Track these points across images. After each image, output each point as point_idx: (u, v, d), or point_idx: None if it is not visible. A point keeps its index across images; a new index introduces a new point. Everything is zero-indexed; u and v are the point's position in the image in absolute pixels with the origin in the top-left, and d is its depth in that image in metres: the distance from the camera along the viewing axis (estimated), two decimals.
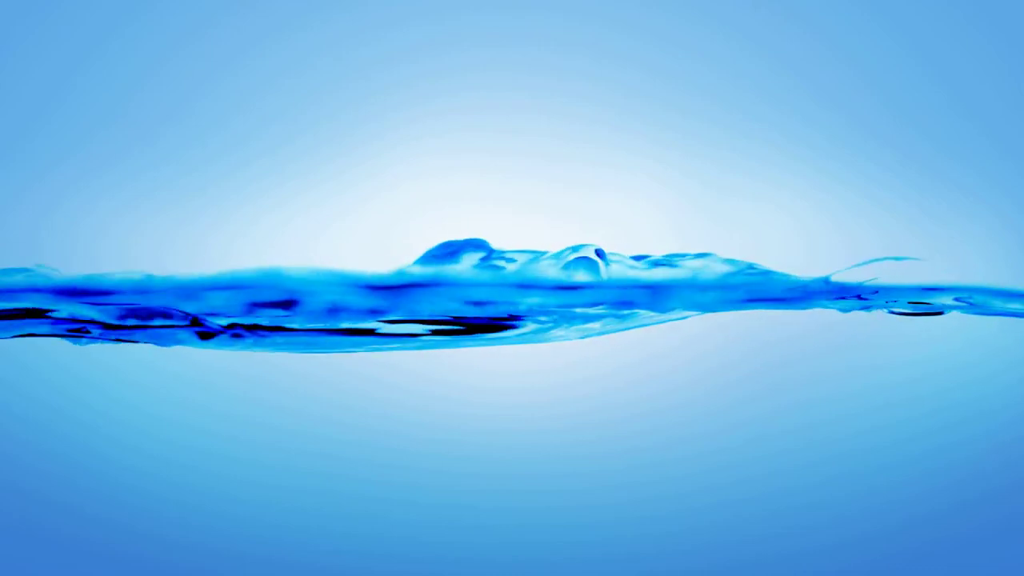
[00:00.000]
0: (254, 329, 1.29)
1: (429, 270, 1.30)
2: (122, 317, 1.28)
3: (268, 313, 1.29)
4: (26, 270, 1.29)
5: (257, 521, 1.37)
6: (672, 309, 1.34)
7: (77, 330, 1.29)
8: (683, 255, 1.34)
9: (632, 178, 1.38)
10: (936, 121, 1.40)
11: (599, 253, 1.30)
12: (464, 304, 1.31)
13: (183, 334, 1.31)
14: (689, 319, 1.37)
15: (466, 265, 1.31)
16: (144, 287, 1.28)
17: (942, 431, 1.43)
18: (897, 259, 1.34)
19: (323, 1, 1.37)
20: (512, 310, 1.31)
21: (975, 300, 1.35)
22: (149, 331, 1.30)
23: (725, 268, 1.33)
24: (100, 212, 1.35)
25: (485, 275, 1.31)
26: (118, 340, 1.30)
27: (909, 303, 1.35)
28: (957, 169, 1.40)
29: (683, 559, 1.37)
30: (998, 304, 1.36)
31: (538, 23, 1.38)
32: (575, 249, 1.32)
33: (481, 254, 1.31)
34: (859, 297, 1.34)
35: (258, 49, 1.36)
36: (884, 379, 1.43)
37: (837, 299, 1.35)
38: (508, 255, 1.32)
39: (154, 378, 1.39)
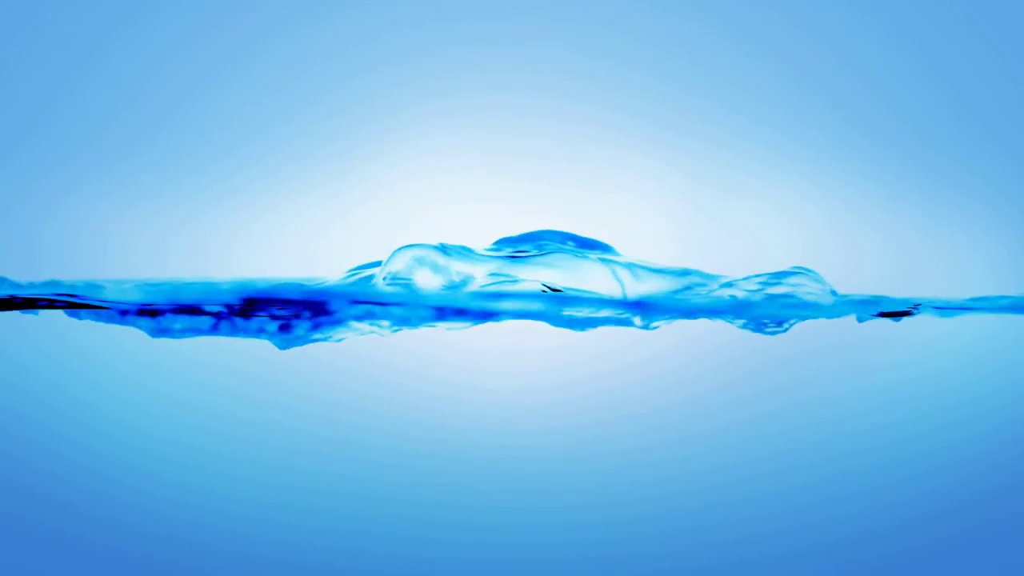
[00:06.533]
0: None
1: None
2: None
3: None
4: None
5: (252, 520, 1.37)
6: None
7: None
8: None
9: (633, 178, 1.38)
10: (936, 121, 1.40)
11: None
12: None
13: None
14: (687, 321, 1.37)
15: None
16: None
17: (941, 431, 1.43)
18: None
19: (323, 1, 1.37)
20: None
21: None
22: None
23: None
24: (100, 212, 1.35)
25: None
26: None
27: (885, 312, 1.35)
28: (957, 169, 1.40)
29: (683, 559, 1.37)
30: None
31: (538, 24, 1.38)
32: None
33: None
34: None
35: (258, 50, 1.36)
36: (883, 379, 1.44)
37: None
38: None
39: (152, 377, 1.39)
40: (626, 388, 1.41)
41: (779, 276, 1.32)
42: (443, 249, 1.27)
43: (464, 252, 1.28)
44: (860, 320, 1.34)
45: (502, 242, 1.31)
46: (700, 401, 1.42)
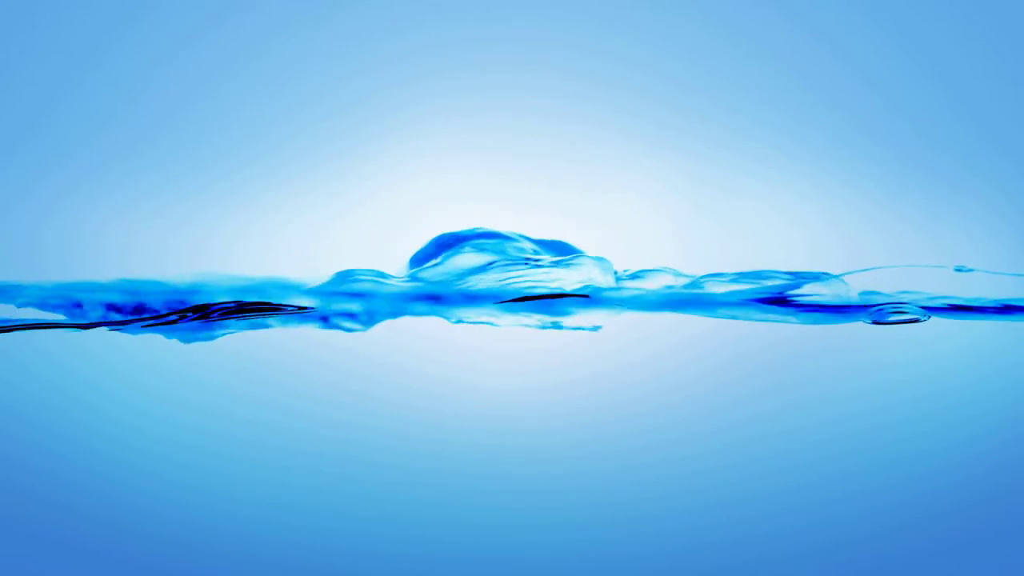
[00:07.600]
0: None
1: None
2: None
3: None
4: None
5: (252, 520, 1.37)
6: None
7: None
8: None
9: (632, 178, 1.38)
10: (936, 121, 1.40)
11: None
12: None
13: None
14: (686, 321, 1.37)
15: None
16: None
17: (941, 431, 1.43)
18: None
19: (323, 1, 1.37)
20: None
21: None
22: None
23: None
24: (100, 212, 1.35)
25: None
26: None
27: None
28: (957, 169, 1.40)
29: (683, 559, 1.37)
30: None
31: (538, 24, 1.38)
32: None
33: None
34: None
35: (258, 50, 1.36)
36: (883, 379, 1.44)
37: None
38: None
39: (152, 377, 1.39)
40: (626, 388, 1.41)
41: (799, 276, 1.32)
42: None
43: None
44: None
45: (441, 239, 1.31)
46: (700, 401, 1.42)
